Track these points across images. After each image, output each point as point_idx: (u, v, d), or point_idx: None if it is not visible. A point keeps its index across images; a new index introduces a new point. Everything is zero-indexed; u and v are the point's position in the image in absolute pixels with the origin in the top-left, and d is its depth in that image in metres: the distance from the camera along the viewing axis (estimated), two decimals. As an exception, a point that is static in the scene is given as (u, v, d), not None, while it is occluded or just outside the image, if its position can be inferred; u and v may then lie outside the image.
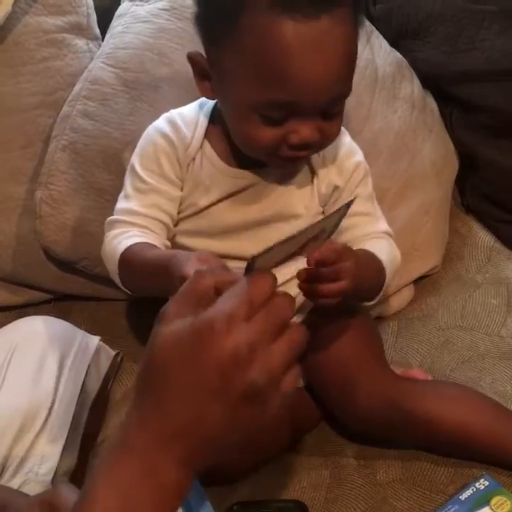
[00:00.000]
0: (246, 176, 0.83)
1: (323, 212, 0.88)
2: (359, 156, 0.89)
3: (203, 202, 0.83)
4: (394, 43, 1.14)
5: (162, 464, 0.48)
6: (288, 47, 0.68)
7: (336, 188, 0.87)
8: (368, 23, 1.12)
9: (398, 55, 1.14)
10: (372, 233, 0.88)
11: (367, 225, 0.88)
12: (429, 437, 0.82)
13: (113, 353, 0.96)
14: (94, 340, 0.93)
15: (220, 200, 0.83)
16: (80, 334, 0.92)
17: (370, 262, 0.84)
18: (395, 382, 0.85)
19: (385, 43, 1.13)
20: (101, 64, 1.00)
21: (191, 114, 0.84)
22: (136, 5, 1.03)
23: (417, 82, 1.14)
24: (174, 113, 0.85)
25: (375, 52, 1.11)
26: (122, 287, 0.84)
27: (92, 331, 0.95)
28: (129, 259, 0.79)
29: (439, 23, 1.13)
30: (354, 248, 0.81)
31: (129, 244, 0.79)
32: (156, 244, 0.80)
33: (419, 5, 1.15)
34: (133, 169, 0.84)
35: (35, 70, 1.01)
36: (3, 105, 0.99)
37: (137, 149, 0.85)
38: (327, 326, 0.87)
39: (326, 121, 0.75)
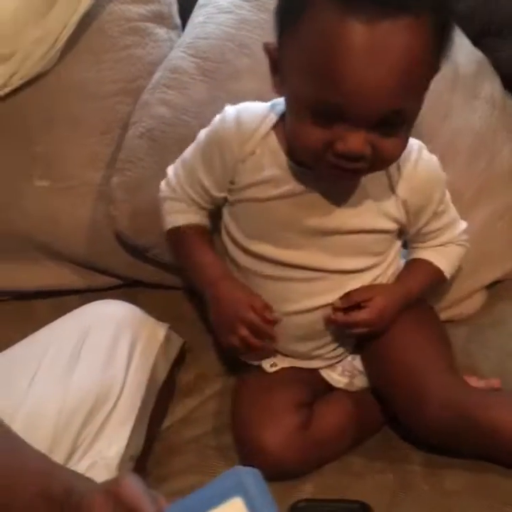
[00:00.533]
0: (310, 178, 0.80)
1: (401, 230, 0.87)
2: (436, 172, 0.85)
3: (260, 194, 0.82)
4: (476, 42, 1.12)
5: None
6: (343, 46, 0.65)
7: (419, 209, 0.84)
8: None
9: (480, 53, 1.12)
10: (443, 242, 0.90)
11: (437, 238, 0.89)
12: (499, 449, 0.80)
13: (181, 341, 0.97)
14: (163, 327, 0.94)
15: (279, 198, 0.81)
16: (150, 320, 0.93)
17: (417, 277, 0.89)
18: (465, 391, 0.84)
19: (466, 41, 1.11)
20: (181, 53, 1.00)
21: (261, 110, 0.82)
22: (219, -5, 1.03)
23: (498, 82, 1.11)
24: (245, 104, 0.84)
25: (456, 49, 1.07)
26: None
27: (160, 319, 0.95)
28: (180, 241, 0.90)
29: (525, 22, 1.10)
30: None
31: (174, 226, 0.89)
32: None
33: (503, 3, 1.12)
34: (198, 145, 0.87)
35: (116, 58, 1.02)
36: (85, 91, 1.01)
37: (204, 134, 0.86)
38: (395, 330, 0.86)
39: (382, 138, 0.70)
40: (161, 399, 0.92)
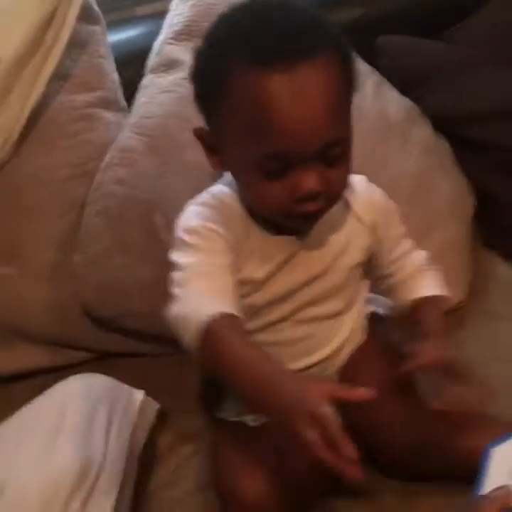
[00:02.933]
0: (293, 241, 0.83)
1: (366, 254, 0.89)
2: (385, 197, 0.91)
3: (259, 275, 0.82)
4: (403, 92, 1.20)
5: None
6: (270, 98, 0.70)
7: (374, 228, 0.88)
8: (377, 74, 1.19)
9: (408, 101, 1.19)
10: (418, 266, 0.93)
11: (408, 261, 0.92)
12: (470, 475, 0.82)
13: (157, 405, 0.99)
14: (139, 394, 0.96)
15: (273, 272, 0.82)
16: (125, 389, 0.95)
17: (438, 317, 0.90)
18: (432, 419, 0.85)
19: (394, 91, 1.19)
20: (129, 133, 1.07)
21: (228, 190, 0.83)
22: (159, 77, 1.10)
23: (428, 125, 1.19)
24: (215, 192, 0.83)
25: (386, 101, 1.17)
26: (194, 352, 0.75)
27: (134, 386, 0.98)
28: (215, 342, 0.72)
29: (444, 69, 1.19)
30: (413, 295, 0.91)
31: (213, 313, 0.73)
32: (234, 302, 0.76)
33: (423, 54, 1.22)
34: (191, 231, 0.79)
35: (68, 144, 1.08)
36: (40, 178, 1.06)
37: (186, 219, 0.80)
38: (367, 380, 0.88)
39: (330, 169, 0.75)
40: (143, 465, 0.93)
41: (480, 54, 1.17)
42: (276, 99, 0.70)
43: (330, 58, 0.73)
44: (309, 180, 0.73)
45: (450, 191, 1.16)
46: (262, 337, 0.86)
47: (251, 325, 0.85)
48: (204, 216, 0.80)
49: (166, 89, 1.08)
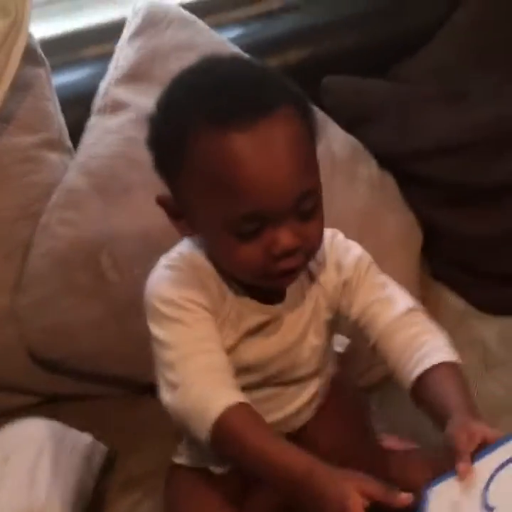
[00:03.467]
0: (265, 310, 0.79)
1: (337, 313, 0.84)
2: (357, 248, 0.86)
3: (228, 342, 0.77)
4: (348, 130, 1.23)
5: None
6: (235, 158, 0.68)
7: (344, 284, 0.82)
8: (321, 113, 1.21)
9: (353, 139, 1.22)
10: (398, 316, 0.81)
11: (386, 309, 0.82)
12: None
13: (106, 448, 0.97)
14: (86, 438, 0.95)
15: (241, 339, 0.78)
16: (72, 432, 0.94)
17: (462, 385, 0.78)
18: (382, 456, 0.87)
19: (339, 130, 1.21)
20: (75, 174, 1.07)
21: (196, 250, 0.78)
22: (105, 118, 1.11)
23: (373, 163, 1.21)
24: (184, 254, 0.78)
25: (331, 139, 1.19)
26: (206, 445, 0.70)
27: (83, 429, 0.97)
28: (233, 434, 0.68)
29: (387, 108, 1.22)
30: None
31: (226, 406, 0.68)
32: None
33: (368, 93, 1.25)
34: (169, 303, 0.74)
35: (13, 185, 1.07)
36: (-16, 221, 1.05)
37: (159, 288, 0.75)
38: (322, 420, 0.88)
39: (304, 223, 0.72)
40: (92, 509, 0.92)
41: (425, 90, 1.21)
42: (240, 158, 0.68)
43: (289, 111, 0.71)
44: (285, 237, 0.70)
45: (398, 225, 1.18)
46: None
47: None
48: (178, 283, 0.75)
49: (113, 131, 1.09)
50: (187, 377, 0.71)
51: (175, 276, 0.75)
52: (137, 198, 1.02)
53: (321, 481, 0.64)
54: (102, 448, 0.97)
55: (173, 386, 0.71)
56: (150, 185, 0.99)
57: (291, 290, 0.80)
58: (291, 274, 0.74)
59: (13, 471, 0.86)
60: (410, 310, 0.82)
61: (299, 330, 0.81)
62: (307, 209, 0.72)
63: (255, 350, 0.79)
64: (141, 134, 1.05)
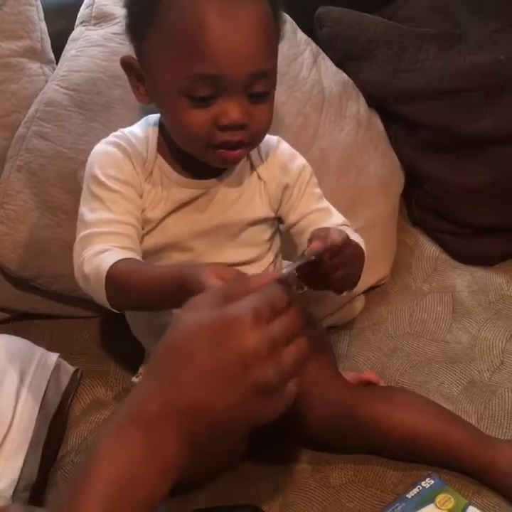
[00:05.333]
0: (196, 185, 0.84)
1: (278, 217, 0.89)
2: (302, 159, 0.90)
3: (156, 215, 0.83)
4: (340, 65, 1.20)
5: (166, 439, 0.52)
6: (202, 21, 0.72)
7: (285, 187, 0.87)
8: (314, 45, 1.18)
9: (344, 75, 1.19)
10: (333, 225, 0.86)
11: (325, 218, 0.88)
12: (380, 442, 0.85)
13: (72, 369, 0.97)
14: (53, 356, 0.94)
15: (172, 212, 0.83)
16: (39, 351, 0.93)
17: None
18: (347, 390, 0.88)
19: (331, 65, 1.18)
20: (55, 86, 1.02)
21: (141, 131, 0.85)
22: (89, 29, 1.06)
23: (362, 101, 1.19)
24: (125, 131, 0.85)
25: (322, 73, 1.16)
26: (108, 305, 0.77)
27: (51, 349, 0.96)
28: (121, 276, 0.74)
29: (381, 45, 1.19)
30: None
31: (114, 261, 0.74)
32: (137, 254, 0.78)
33: (362, 28, 1.21)
34: (95, 180, 0.80)
35: (-11, 93, 1.03)
36: (-42, 128, 1.01)
37: (92, 163, 0.82)
38: None
39: (254, 105, 0.77)
40: (55, 427, 0.92)
41: (420, 30, 1.17)
42: (206, 21, 0.72)
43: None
44: (234, 110, 0.75)
45: (380, 168, 1.17)
46: None
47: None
48: (108, 159, 0.81)
49: (97, 43, 1.04)
50: (91, 254, 0.76)
51: (107, 152, 0.82)
52: (118, 115, 0.99)
53: (194, 271, 0.68)
54: (68, 368, 0.97)
55: (80, 262, 0.77)
56: (132, 103, 0.97)
57: (229, 173, 0.84)
58: (232, 149, 0.78)
59: (-22, 382, 0.86)
60: (344, 223, 0.89)
61: (232, 211, 0.85)
62: (259, 91, 0.77)
63: (183, 224, 0.84)
64: (126, 47, 1.03)
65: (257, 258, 0.88)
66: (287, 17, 1.13)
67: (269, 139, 0.88)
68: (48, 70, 1.08)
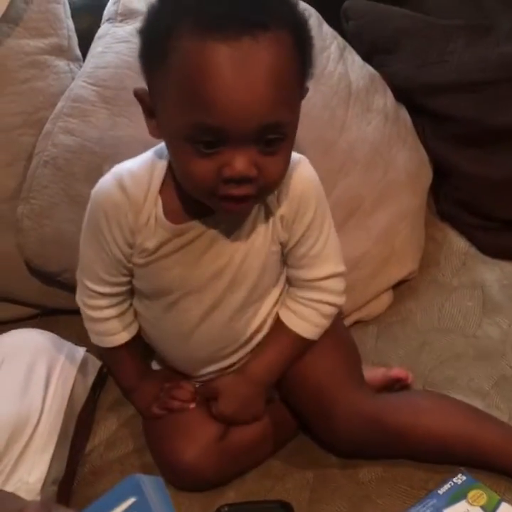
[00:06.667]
0: (190, 228, 0.79)
1: (283, 252, 0.85)
2: (312, 185, 0.83)
3: (145, 260, 0.81)
4: (366, 58, 1.19)
5: None
6: (209, 67, 0.66)
7: (294, 216, 0.82)
8: (340, 38, 1.17)
9: (371, 69, 1.18)
10: (313, 280, 0.85)
11: (312, 268, 0.85)
12: (407, 449, 0.84)
13: (99, 363, 0.98)
14: (81, 351, 0.95)
15: (165, 258, 0.80)
16: (67, 345, 0.94)
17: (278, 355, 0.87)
18: (371, 400, 0.86)
19: (357, 58, 1.17)
20: (82, 83, 1.03)
21: (144, 171, 0.79)
22: (116, 26, 1.06)
23: (389, 94, 1.18)
24: (125, 172, 0.79)
25: (349, 66, 1.15)
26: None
27: (78, 344, 0.97)
28: (108, 355, 0.92)
29: (408, 38, 1.17)
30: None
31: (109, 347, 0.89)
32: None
33: (390, 21, 1.20)
34: (89, 233, 0.82)
35: (18, 91, 1.03)
36: (-14, 125, 1.02)
37: (91, 213, 0.81)
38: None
39: (266, 156, 0.70)
40: (82, 422, 0.92)
41: (448, 22, 1.16)
42: (216, 68, 0.65)
43: (284, 36, 0.68)
44: (240, 163, 0.68)
45: (408, 161, 1.15)
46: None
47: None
48: (108, 205, 0.78)
49: (123, 40, 1.04)
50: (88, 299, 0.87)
51: (109, 191, 0.78)
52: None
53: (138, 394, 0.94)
54: (95, 362, 0.98)
55: (80, 302, 0.88)
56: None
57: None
58: (237, 202, 0.72)
59: (7, 376, 0.86)
60: (326, 277, 0.85)
61: (237, 249, 0.81)
62: (272, 142, 0.70)
63: (185, 268, 0.81)
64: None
65: (261, 296, 0.86)
66: (313, 11, 1.13)
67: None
68: (75, 67, 1.09)
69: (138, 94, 0.75)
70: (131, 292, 0.87)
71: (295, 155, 0.80)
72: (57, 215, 0.98)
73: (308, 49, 0.73)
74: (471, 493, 0.78)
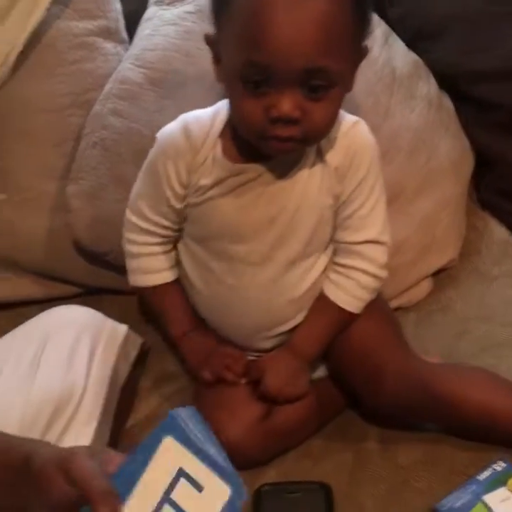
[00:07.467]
0: (247, 170, 0.83)
1: (336, 202, 0.86)
2: (372, 150, 0.86)
3: (201, 198, 0.85)
4: (410, 44, 1.18)
5: None
6: (263, 7, 0.71)
7: (347, 171, 0.84)
8: (384, 24, 1.17)
9: (414, 55, 1.17)
10: (354, 243, 0.87)
11: (356, 231, 0.87)
12: (453, 418, 0.85)
13: (140, 340, 0.99)
14: (123, 328, 0.96)
15: (220, 196, 0.84)
16: (109, 322, 0.95)
17: (319, 329, 0.89)
18: (420, 365, 0.88)
19: (401, 44, 1.17)
20: (130, 65, 1.04)
21: (207, 117, 0.85)
22: (163, 9, 1.07)
23: (433, 81, 1.17)
24: (190, 117, 0.86)
25: (393, 52, 1.14)
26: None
27: (121, 322, 0.98)
28: (152, 296, 0.94)
29: (455, 24, 1.16)
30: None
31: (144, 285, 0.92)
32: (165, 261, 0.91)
33: (436, 6, 1.18)
34: (146, 170, 0.88)
35: (67, 72, 1.05)
36: (37, 105, 1.04)
37: (152, 153, 0.87)
38: None
39: (311, 101, 0.74)
40: (124, 398, 0.94)
41: (495, 8, 1.14)
42: (269, 9, 0.70)
43: None
44: (285, 103, 0.73)
45: (451, 149, 1.15)
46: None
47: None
48: (169, 145, 0.85)
49: (171, 22, 1.05)
50: (141, 231, 0.90)
51: (172, 134, 0.84)
52: (192, 93, 1.00)
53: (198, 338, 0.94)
54: (137, 339, 0.99)
55: (127, 229, 0.91)
56: (205, 80, 0.98)
57: (289, 160, 0.83)
58: (283, 142, 0.76)
59: (52, 351, 0.87)
60: (373, 240, 0.87)
61: (289, 197, 0.83)
62: (318, 88, 0.74)
63: (239, 210, 0.84)
64: (199, 26, 1.04)
65: (312, 252, 0.88)
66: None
67: (346, 118, 0.85)
68: (122, 49, 1.10)
69: (208, 39, 0.81)
70: (175, 241, 0.91)
71: (354, 116, 0.85)
72: (105, 196, 1.00)
73: (366, 6, 0.77)
74: (511, 481, 0.79)
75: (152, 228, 0.89)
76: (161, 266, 0.91)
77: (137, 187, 0.89)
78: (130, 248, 0.91)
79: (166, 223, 0.88)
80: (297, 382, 0.88)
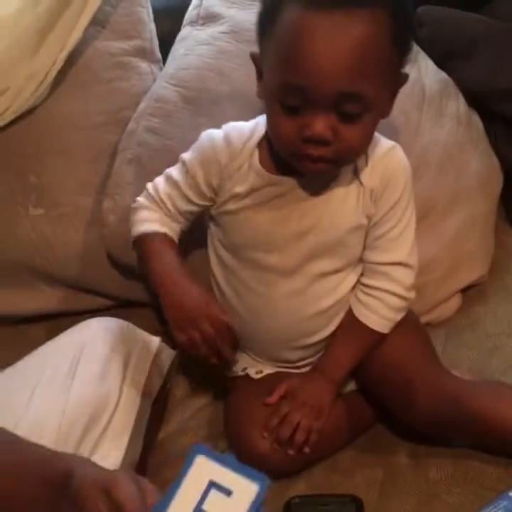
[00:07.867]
0: (282, 182, 0.85)
1: (369, 223, 0.88)
2: (406, 175, 0.88)
3: (236, 206, 0.87)
4: (439, 63, 1.19)
5: None
6: (302, 32, 0.73)
7: (381, 193, 0.86)
8: (413, 43, 1.17)
9: (444, 74, 1.19)
10: (382, 263, 0.88)
11: (384, 251, 0.88)
12: (484, 434, 0.85)
13: (173, 352, 1.00)
14: (156, 340, 0.97)
15: (255, 206, 0.87)
16: (143, 334, 0.96)
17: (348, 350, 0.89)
18: (451, 381, 0.88)
19: (430, 63, 1.18)
20: (164, 83, 1.07)
21: (248, 127, 0.88)
22: (197, 29, 1.10)
23: (462, 100, 1.18)
24: (231, 125, 0.89)
25: (422, 71, 1.16)
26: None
27: (152, 334, 1.00)
28: (144, 247, 0.92)
29: (483, 43, 1.18)
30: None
31: (144, 232, 0.91)
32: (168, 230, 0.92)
33: (463, 27, 1.20)
34: (182, 163, 0.91)
35: (103, 91, 1.08)
36: (73, 123, 1.07)
37: (192, 150, 0.90)
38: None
39: (344, 124, 0.77)
40: (156, 410, 0.95)
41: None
42: (307, 35, 0.73)
43: (377, 16, 0.74)
44: (318, 124, 0.76)
45: (480, 167, 1.16)
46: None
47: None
48: (207, 146, 0.88)
49: (205, 42, 1.08)
50: (153, 202, 0.92)
51: (212, 140, 0.88)
52: (225, 111, 1.02)
53: (188, 284, 0.88)
54: (169, 351, 1.00)
55: (136, 204, 0.94)
56: (239, 99, 1.00)
57: (324, 178, 0.85)
58: (314, 162, 0.79)
59: (86, 363, 0.88)
60: (395, 264, 0.88)
61: (323, 214, 0.85)
62: (350, 112, 0.76)
63: (273, 221, 0.86)
64: (233, 46, 1.07)
65: (342, 268, 0.89)
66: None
67: (382, 142, 0.87)
68: (156, 69, 1.13)
69: (253, 57, 0.84)
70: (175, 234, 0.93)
71: (390, 141, 0.88)
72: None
73: (405, 33, 0.78)
74: (543, 497, 0.79)
75: (157, 201, 0.92)
76: (157, 219, 0.92)
77: (170, 169, 0.92)
78: (133, 205, 0.94)
79: (171, 208, 0.91)
80: (319, 415, 0.88)
